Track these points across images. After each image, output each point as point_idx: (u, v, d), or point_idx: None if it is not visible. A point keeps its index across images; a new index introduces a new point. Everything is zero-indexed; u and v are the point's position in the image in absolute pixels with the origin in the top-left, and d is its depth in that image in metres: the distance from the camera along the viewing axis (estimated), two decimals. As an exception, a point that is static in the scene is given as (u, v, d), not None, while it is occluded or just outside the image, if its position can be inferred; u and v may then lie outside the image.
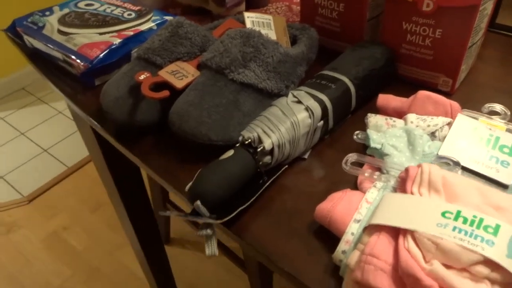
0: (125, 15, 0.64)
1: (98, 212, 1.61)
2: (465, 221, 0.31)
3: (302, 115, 0.44)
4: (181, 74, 0.48)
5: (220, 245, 1.12)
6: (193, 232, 1.43)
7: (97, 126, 0.53)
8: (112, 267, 1.41)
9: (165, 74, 0.47)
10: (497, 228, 0.31)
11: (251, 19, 0.53)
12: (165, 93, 0.46)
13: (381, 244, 0.32)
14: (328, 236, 0.38)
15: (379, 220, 0.33)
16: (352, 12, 0.57)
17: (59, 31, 0.61)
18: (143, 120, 0.48)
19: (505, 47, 0.63)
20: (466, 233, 0.30)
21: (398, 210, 0.34)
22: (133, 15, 0.63)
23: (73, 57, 0.57)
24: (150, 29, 0.61)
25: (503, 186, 0.40)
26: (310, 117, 0.44)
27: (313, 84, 0.48)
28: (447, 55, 0.51)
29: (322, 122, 0.46)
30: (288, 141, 0.43)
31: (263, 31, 0.52)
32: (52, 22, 0.63)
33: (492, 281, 0.29)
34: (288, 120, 0.43)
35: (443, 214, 0.32)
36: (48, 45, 0.59)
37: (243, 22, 0.55)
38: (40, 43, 0.61)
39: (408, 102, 0.48)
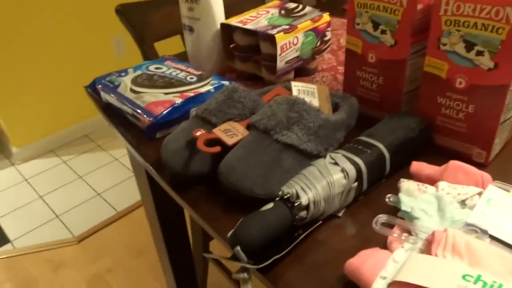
0: (188, 78, 0.73)
1: (141, 258, 1.67)
2: (484, 285, 0.33)
3: (337, 176, 0.48)
4: (232, 132, 0.54)
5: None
6: (229, 285, 1.44)
7: (155, 174, 0.60)
8: (149, 313, 1.44)
9: (218, 131, 0.54)
10: (515, 294, 0.32)
11: (297, 87, 0.60)
12: (217, 148, 0.52)
13: (403, 299, 0.34)
14: (356, 290, 0.41)
15: (402, 277, 0.36)
16: (391, 85, 0.62)
17: (131, 90, 0.70)
18: (195, 171, 0.54)
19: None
20: (484, 295, 0.32)
21: (421, 270, 0.36)
22: (195, 78, 0.72)
23: (140, 112, 0.66)
24: (208, 92, 0.69)
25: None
26: (345, 178, 0.48)
27: (350, 148, 0.53)
28: (480, 128, 0.54)
29: (356, 183, 0.50)
30: (323, 199, 0.47)
31: (307, 99, 0.58)
32: (126, 82, 0.73)
33: None
34: (325, 180, 0.47)
35: (463, 276, 0.34)
36: (121, 101, 0.69)
37: (290, 90, 0.62)
38: (114, 98, 0.70)
39: (440, 171, 0.51)
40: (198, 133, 0.53)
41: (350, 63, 0.65)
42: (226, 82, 0.72)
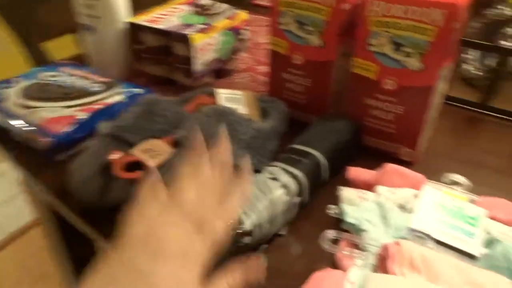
0: (92, 87, 0.63)
1: (39, 285, 1.48)
2: (449, 302, 0.32)
3: (278, 192, 0.44)
4: (154, 152, 0.47)
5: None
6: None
7: (60, 205, 0.51)
8: None
9: (138, 153, 0.46)
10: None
11: (223, 95, 0.54)
12: (138, 173, 0.45)
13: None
14: (313, 320, 0.38)
15: (366, 304, 0.33)
16: (318, 87, 0.60)
17: (22, 105, 0.59)
18: (114, 198, 0.46)
19: (455, 117, 0.69)
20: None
21: (384, 293, 0.34)
22: (101, 87, 0.63)
23: (35, 131, 0.55)
24: (119, 103, 0.60)
25: (471, 257, 0.41)
26: (287, 194, 0.45)
27: (287, 159, 0.49)
28: (408, 128, 0.55)
29: (299, 198, 0.46)
30: (266, 220, 0.43)
31: (235, 107, 0.53)
32: (13, 94, 0.61)
33: None
34: (266, 198, 0.43)
35: (427, 295, 0.33)
36: (8, 119, 0.57)
37: (213, 96, 0.56)
38: (0, 115, 0.58)
39: (377, 175, 0.50)
40: (114, 157, 0.45)
41: (275, 64, 0.62)
42: (139, 90, 0.63)
